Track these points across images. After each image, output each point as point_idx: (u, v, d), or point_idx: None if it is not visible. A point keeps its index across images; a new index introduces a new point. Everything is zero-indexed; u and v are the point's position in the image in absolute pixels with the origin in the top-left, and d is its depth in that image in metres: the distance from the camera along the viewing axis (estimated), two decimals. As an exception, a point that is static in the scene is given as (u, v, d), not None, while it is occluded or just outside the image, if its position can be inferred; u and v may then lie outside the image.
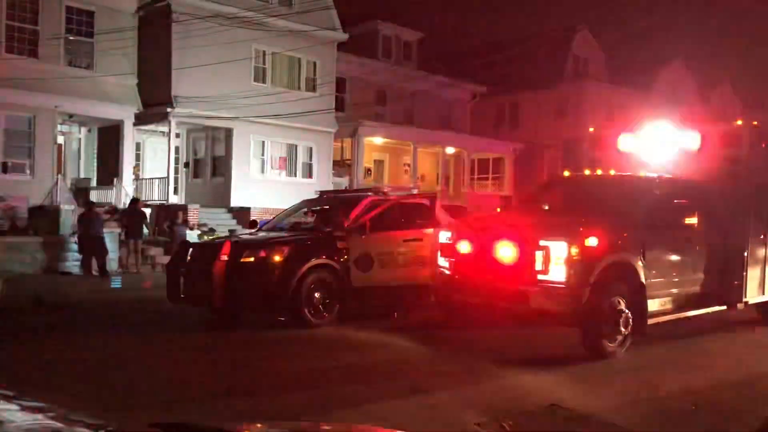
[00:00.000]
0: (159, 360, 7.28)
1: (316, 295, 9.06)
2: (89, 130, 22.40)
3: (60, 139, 20.73)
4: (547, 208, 9.79)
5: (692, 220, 8.39)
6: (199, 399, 5.61)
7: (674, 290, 8.50)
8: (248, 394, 5.82)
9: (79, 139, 22.50)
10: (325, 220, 10.74)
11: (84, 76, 19.35)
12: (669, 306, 8.47)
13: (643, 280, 7.71)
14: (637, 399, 6.01)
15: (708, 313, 9.15)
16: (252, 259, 9.03)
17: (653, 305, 8.02)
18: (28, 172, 18.94)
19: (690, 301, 8.77)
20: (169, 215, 19.06)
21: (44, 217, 17.19)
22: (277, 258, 8.97)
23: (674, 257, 8.54)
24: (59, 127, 20.20)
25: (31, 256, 15.70)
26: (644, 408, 5.83)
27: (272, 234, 10.33)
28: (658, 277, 8.06)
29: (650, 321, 7.87)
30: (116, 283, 14.31)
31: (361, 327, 9.11)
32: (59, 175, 19.51)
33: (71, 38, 19.37)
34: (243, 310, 9.53)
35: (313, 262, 9.16)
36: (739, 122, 9.63)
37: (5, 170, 18.44)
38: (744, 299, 9.22)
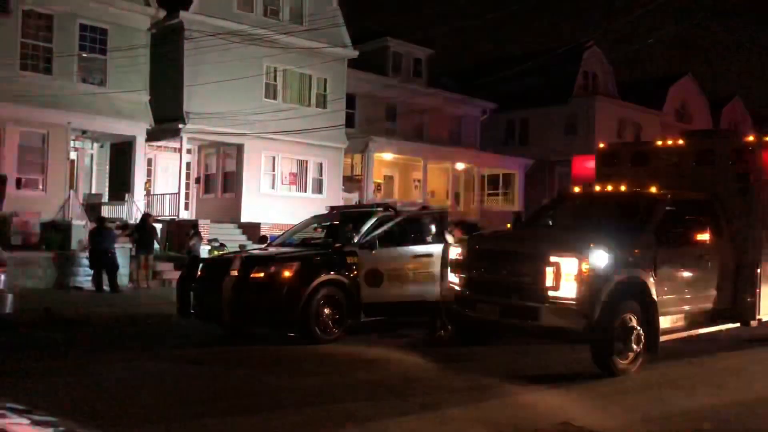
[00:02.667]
0: (167, 375, 7.28)
1: (326, 310, 9.05)
2: (101, 146, 22.57)
3: (72, 155, 20.88)
4: (557, 224, 9.77)
5: (704, 237, 8.34)
6: (206, 415, 5.60)
7: (686, 307, 8.44)
8: (255, 410, 5.80)
9: (92, 154, 22.65)
10: (335, 236, 10.75)
11: (97, 93, 19.53)
12: (681, 323, 8.41)
13: (654, 296, 7.66)
14: (650, 417, 5.94)
15: (721, 330, 9.08)
16: (262, 274, 9.04)
17: (665, 322, 7.95)
18: (41, 187, 19.09)
19: (703, 319, 8.70)
20: (191, 233, 18.85)
21: (56, 232, 17.28)
22: (286, 274, 8.98)
23: (686, 274, 8.48)
24: (72, 143, 20.36)
25: (42, 270, 15.77)
26: (656, 427, 5.78)
27: (282, 249, 10.35)
28: (670, 294, 8.01)
29: (662, 338, 7.81)
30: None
31: (370, 343, 9.09)
32: (71, 191, 19.64)
33: (85, 55, 19.59)
34: (252, 326, 9.52)
35: (323, 277, 9.16)
36: (751, 138, 9.59)
37: (19, 186, 18.59)
38: (758, 316, 9.12)
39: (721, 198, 9.09)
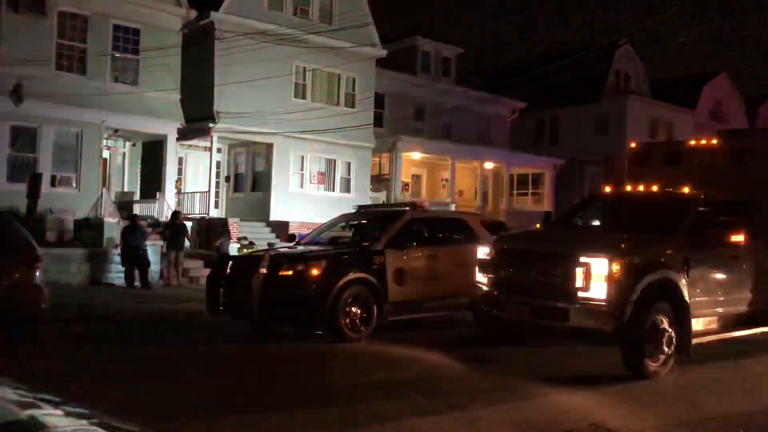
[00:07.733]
0: (196, 372, 7.36)
1: (354, 309, 9.07)
2: (133, 145, 22.93)
3: (105, 154, 21.26)
4: (588, 224, 9.67)
5: (739, 238, 8.18)
6: (233, 412, 5.65)
7: (720, 309, 8.29)
8: (282, 408, 5.83)
9: (124, 153, 23.04)
10: (363, 235, 10.77)
11: (129, 92, 19.85)
12: (714, 325, 8.26)
13: (687, 298, 7.53)
14: (681, 421, 5.85)
15: (755, 334, 8.90)
16: (290, 272, 9.09)
17: (697, 324, 7.82)
18: (74, 185, 19.45)
19: (737, 321, 8.53)
20: (219, 231, 19.02)
21: (89, 229, 17.59)
22: (315, 272, 9.02)
23: (720, 276, 8.34)
24: (105, 142, 20.73)
25: (76, 267, 16.07)
26: (688, 430, 5.68)
27: (310, 248, 10.40)
28: (702, 296, 7.88)
29: (694, 341, 7.68)
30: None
31: (398, 342, 9.08)
32: (104, 189, 19.98)
33: (118, 55, 19.93)
34: (281, 323, 9.58)
35: (351, 276, 9.18)
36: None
37: (53, 183, 18.97)
38: (793, 320, 8.92)
39: (757, 199, 8.91)
